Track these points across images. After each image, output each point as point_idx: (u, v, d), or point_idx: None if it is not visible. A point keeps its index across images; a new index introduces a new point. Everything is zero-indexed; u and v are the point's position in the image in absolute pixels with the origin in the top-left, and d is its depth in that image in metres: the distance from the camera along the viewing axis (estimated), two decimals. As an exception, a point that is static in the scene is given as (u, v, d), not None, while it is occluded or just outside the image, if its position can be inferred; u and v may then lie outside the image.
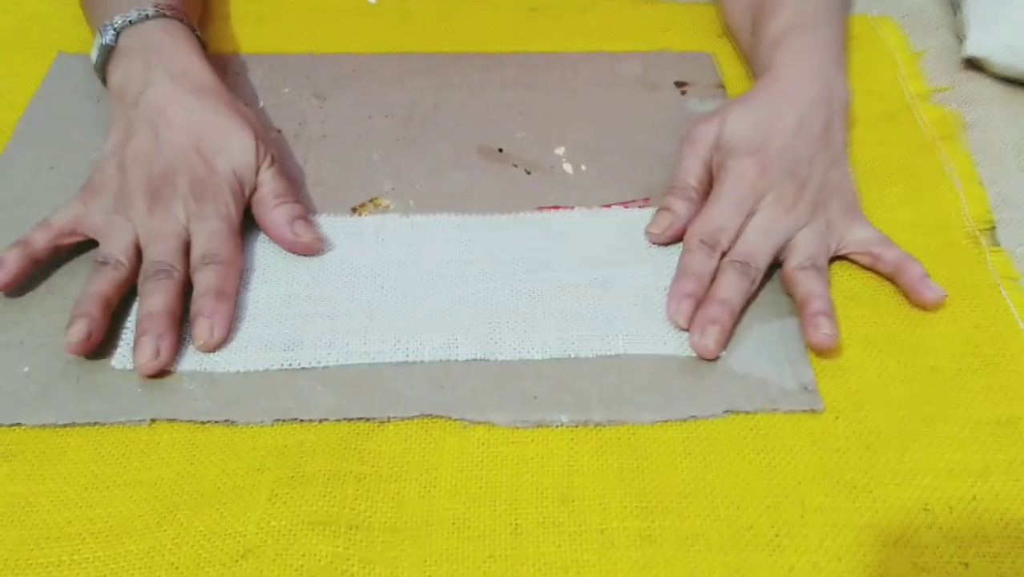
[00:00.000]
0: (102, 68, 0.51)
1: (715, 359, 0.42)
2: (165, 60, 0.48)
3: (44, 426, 0.39)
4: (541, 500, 0.38)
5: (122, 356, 0.41)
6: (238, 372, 0.41)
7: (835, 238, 0.46)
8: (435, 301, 0.44)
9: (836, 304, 0.44)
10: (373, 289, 0.45)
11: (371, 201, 0.50)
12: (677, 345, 0.43)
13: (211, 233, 0.44)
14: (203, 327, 0.41)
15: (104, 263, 0.43)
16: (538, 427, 0.40)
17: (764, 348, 0.43)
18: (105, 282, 0.42)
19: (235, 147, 0.46)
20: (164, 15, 0.50)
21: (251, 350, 0.42)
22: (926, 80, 0.58)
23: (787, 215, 0.45)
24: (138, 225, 0.44)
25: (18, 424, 0.39)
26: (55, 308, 0.43)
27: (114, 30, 0.49)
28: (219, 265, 0.43)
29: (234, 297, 0.43)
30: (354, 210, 0.49)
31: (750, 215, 0.45)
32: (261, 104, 0.55)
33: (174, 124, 0.46)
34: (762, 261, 0.44)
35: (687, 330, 0.43)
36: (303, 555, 0.35)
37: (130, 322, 0.43)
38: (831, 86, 0.49)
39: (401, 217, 0.49)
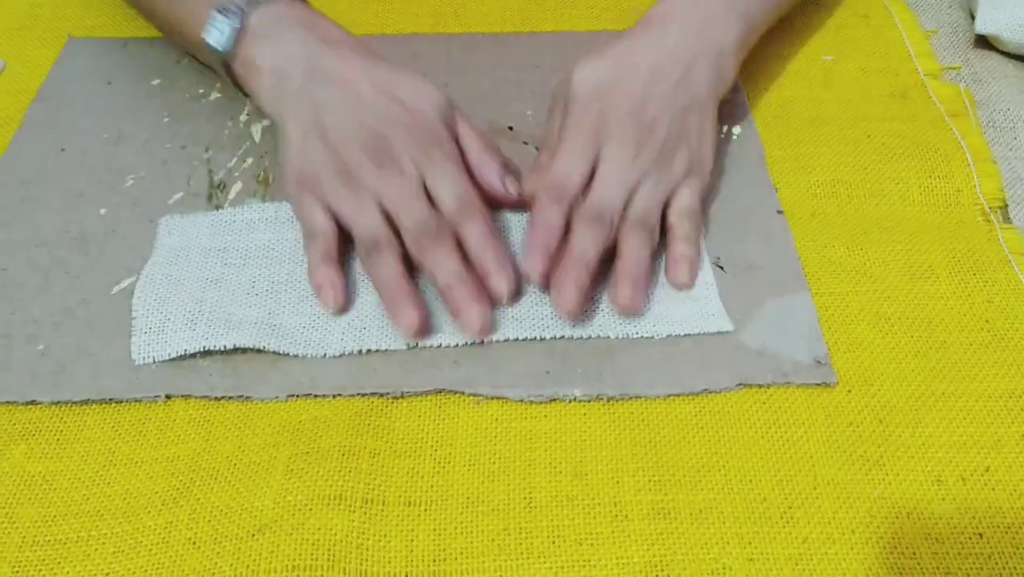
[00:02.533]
0: (230, 49, 0.47)
1: (573, 317, 0.41)
2: (314, 31, 0.47)
3: (60, 404, 0.40)
4: (555, 474, 0.38)
5: (138, 347, 0.41)
6: (256, 348, 0.41)
7: (669, 194, 0.45)
8: None
9: (847, 280, 0.44)
10: None
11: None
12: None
13: (453, 180, 0.43)
14: (501, 281, 0.42)
15: (375, 247, 0.42)
16: (551, 402, 0.40)
17: (776, 322, 0.42)
18: (390, 268, 0.42)
19: (428, 91, 0.45)
20: None
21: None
22: (937, 59, 0.57)
23: (632, 161, 0.44)
24: (378, 193, 0.43)
25: (33, 402, 0.40)
26: (68, 287, 0.44)
27: (242, 10, 0.47)
28: (477, 211, 0.43)
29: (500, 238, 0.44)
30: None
31: (597, 161, 0.44)
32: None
33: (360, 84, 0.45)
34: (613, 207, 0.43)
35: (541, 286, 0.42)
36: (319, 529, 0.36)
37: (138, 311, 0.42)
38: (707, 33, 0.47)
39: None
